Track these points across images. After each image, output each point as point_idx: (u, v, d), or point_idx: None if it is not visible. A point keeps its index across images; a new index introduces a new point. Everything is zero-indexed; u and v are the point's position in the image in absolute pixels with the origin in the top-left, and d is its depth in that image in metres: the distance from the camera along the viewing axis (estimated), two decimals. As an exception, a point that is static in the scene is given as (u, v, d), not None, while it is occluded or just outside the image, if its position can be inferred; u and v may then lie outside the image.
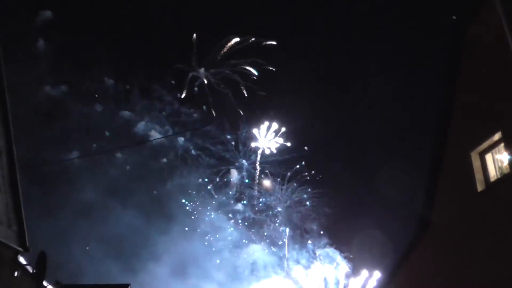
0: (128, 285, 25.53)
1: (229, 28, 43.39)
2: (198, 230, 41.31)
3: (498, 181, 9.78)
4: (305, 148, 43.47)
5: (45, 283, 13.73)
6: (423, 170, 11.86)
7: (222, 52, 42.38)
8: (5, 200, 11.67)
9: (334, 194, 41.11)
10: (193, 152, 44.18)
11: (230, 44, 42.48)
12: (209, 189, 43.36)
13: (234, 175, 44.25)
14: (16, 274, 12.22)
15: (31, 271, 12.84)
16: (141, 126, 43.84)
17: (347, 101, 42.20)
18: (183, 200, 41.93)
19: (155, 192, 42.42)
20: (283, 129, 43.32)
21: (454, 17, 10.98)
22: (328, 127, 41.85)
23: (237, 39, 42.35)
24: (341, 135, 41.48)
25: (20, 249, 12.12)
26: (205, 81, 42.37)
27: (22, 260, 12.47)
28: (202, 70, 43.34)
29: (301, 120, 41.45)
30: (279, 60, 43.21)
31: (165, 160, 43.91)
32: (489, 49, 10.11)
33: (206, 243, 41.41)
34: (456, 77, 11.04)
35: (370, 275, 39.42)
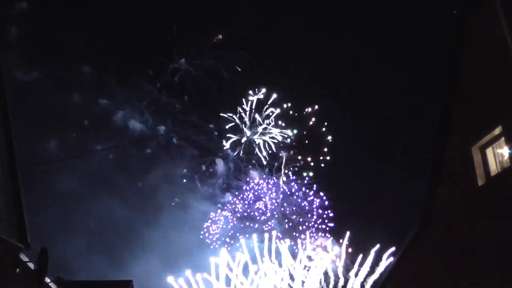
0: (130, 281, 25.60)
1: (211, 19, 42.74)
2: (188, 222, 40.06)
3: (498, 175, 9.77)
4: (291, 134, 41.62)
5: (46, 279, 13.76)
6: (424, 164, 11.84)
7: (205, 44, 41.64)
8: (5, 197, 11.69)
9: (329, 188, 40.50)
10: (175, 141, 42.77)
11: (215, 36, 41.81)
12: (195, 179, 42.11)
13: (220, 165, 42.74)
14: (17, 271, 12.25)
15: (32, 267, 12.88)
16: (120, 115, 42.27)
17: (346, 99, 41.82)
18: (170, 192, 40.70)
19: (140, 183, 41.23)
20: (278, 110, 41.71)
21: (454, 12, 10.95)
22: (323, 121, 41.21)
23: (219, 36, 41.92)
24: (339, 129, 40.83)
25: (21, 246, 12.14)
26: (186, 71, 41.58)
27: (23, 257, 12.50)
28: (182, 60, 42.55)
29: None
30: (263, 49, 42.42)
31: (149, 150, 42.60)
32: (490, 44, 10.08)
33: (200, 236, 39.92)
34: (457, 72, 11.01)
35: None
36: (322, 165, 40.55)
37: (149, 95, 42.07)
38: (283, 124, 41.34)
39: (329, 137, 41.05)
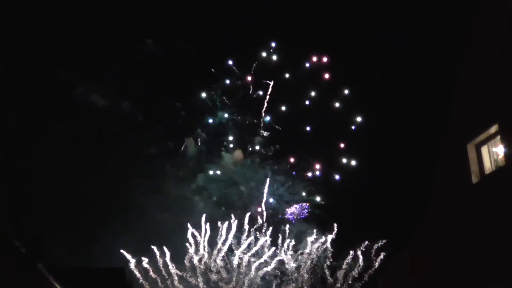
0: (122, 269, 25.70)
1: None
2: (161, 205, 37.12)
3: (493, 173, 9.80)
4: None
5: (39, 265, 13.73)
6: (420, 161, 11.87)
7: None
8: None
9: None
10: (141, 119, 39.88)
11: None
12: (165, 161, 39.45)
13: (191, 145, 40.30)
14: (9, 256, 12.21)
15: (25, 253, 12.84)
16: (81, 90, 38.52)
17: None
18: (139, 173, 37.86)
19: (106, 164, 37.47)
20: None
21: (455, 9, 10.92)
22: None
23: None
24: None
25: (13, 231, 12.11)
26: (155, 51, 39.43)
27: (16, 242, 12.46)
28: (150, 41, 39.86)
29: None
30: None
31: (118, 130, 39.39)
32: (489, 42, 10.07)
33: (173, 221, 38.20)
34: (455, 69, 11.00)
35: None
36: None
37: (114, 72, 38.44)
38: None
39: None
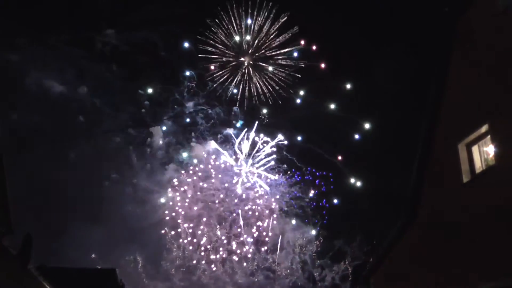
0: (114, 269, 25.55)
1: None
2: (126, 198, 35.71)
3: (483, 172, 9.88)
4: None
5: (30, 266, 13.62)
6: (411, 159, 11.92)
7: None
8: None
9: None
10: (107, 109, 38.10)
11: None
12: (130, 152, 37.82)
13: (158, 136, 38.28)
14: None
15: (14, 253, 12.73)
16: (36, 77, 36.92)
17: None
18: (105, 165, 36.17)
19: (72, 155, 35.88)
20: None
21: (446, 9, 10.98)
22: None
23: None
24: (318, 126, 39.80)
25: (3, 231, 12.00)
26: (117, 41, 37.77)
27: (5, 242, 12.36)
28: (111, 31, 38.18)
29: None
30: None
31: (81, 118, 37.36)
32: (479, 42, 10.14)
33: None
34: (445, 69, 11.07)
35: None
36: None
37: (75, 60, 37.69)
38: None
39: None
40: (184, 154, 38.46)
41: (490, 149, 9.82)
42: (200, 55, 39.34)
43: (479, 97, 9.92)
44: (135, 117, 38.87)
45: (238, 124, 38.70)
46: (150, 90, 38.53)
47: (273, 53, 40.20)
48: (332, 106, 39.83)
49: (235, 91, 40.03)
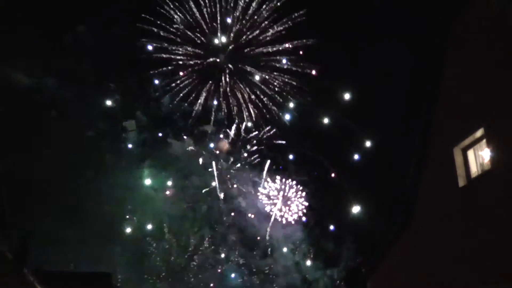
0: (109, 273, 25.47)
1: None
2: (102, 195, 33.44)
3: (479, 177, 9.92)
4: None
5: (25, 270, 13.57)
6: (407, 164, 11.96)
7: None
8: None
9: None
10: (78, 104, 35.90)
11: None
12: (106, 146, 35.82)
13: (131, 129, 36.25)
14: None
15: (10, 257, 12.68)
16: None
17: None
18: (78, 161, 34.01)
19: (46, 150, 33.46)
20: None
21: (441, 12, 11.04)
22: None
23: None
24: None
25: None
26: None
27: (1, 246, 12.30)
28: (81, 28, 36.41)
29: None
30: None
31: (54, 114, 35.40)
32: (474, 45, 10.19)
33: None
34: (441, 73, 11.13)
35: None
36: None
37: (45, 55, 35.11)
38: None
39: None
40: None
41: (485, 153, 9.87)
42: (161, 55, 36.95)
43: (475, 101, 9.97)
44: (108, 112, 37.11)
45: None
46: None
47: (260, 51, 37.26)
48: (326, 120, 38.38)
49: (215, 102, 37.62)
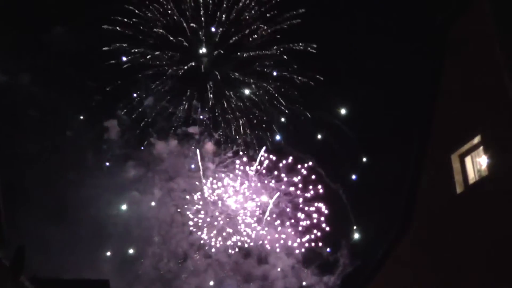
0: (107, 280, 25.30)
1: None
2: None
3: (476, 183, 9.95)
4: None
5: (22, 277, 13.49)
6: (405, 170, 11.98)
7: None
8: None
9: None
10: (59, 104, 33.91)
11: None
12: (83, 149, 34.29)
13: (114, 129, 34.70)
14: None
15: (7, 265, 12.61)
16: None
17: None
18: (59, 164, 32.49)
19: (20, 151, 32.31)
20: None
21: (437, 19, 11.11)
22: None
23: None
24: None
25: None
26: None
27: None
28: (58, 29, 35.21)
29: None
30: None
31: (31, 113, 33.74)
32: (471, 53, 10.25)
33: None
34: (438, 80, 11.18)
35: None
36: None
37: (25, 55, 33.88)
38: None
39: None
40: None
41: (483, 160, 9.91)
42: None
43: (471, 108, 10.02)
44: (89, 112, 35.79)
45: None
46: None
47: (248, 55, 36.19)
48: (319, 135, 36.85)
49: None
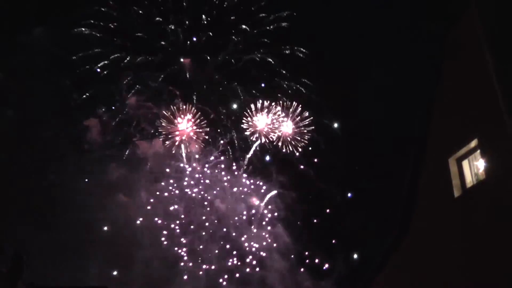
0: (106, 287, 25.23)
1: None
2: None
3: (474, 187, 9.97)
4: None
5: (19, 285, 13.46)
6: (403, 174, 12.01)
7: None
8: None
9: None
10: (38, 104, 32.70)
11: None
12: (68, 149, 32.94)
13: (95, 128, 33.64)
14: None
15: (4, 272, 12.59)
16: None
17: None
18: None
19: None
20: None
21: (435, 24, 11.17)
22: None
23: None
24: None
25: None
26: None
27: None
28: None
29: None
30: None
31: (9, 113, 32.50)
32: (469, 58, 10.30)
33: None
34: (435, 84, 11.23)
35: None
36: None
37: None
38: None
39: None
40: None
41: (480, 164, 9.94)
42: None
43: (468, 112, 10.06)
44: (68, 112, 34.24)
45: None
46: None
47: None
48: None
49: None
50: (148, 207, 33.59)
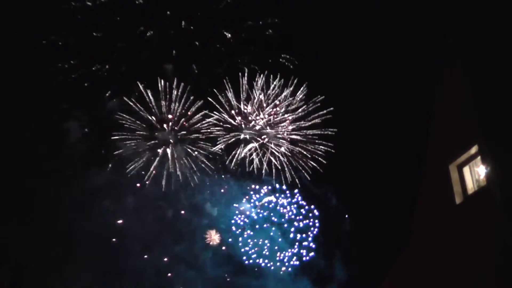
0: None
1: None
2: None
3: (475, 193, 9.95)
4: None
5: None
6: (404, 181, 12.00)
7: None
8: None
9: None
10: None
11: None
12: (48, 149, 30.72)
13: (75, 132, 32.17)
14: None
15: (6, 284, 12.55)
16: None
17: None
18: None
19: None
20: None
21: (432, 32, 11.22)
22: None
23: None
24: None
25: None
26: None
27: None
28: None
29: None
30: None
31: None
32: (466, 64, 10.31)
33: None
34: (435, 91, 11.24)
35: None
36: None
37: None
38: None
39: None
40: None
41: (481, 170, 9.91)
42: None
43: (468, 119, 10.05)
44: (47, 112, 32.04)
45: None
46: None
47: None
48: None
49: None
50: (135, 212, 33.16)
